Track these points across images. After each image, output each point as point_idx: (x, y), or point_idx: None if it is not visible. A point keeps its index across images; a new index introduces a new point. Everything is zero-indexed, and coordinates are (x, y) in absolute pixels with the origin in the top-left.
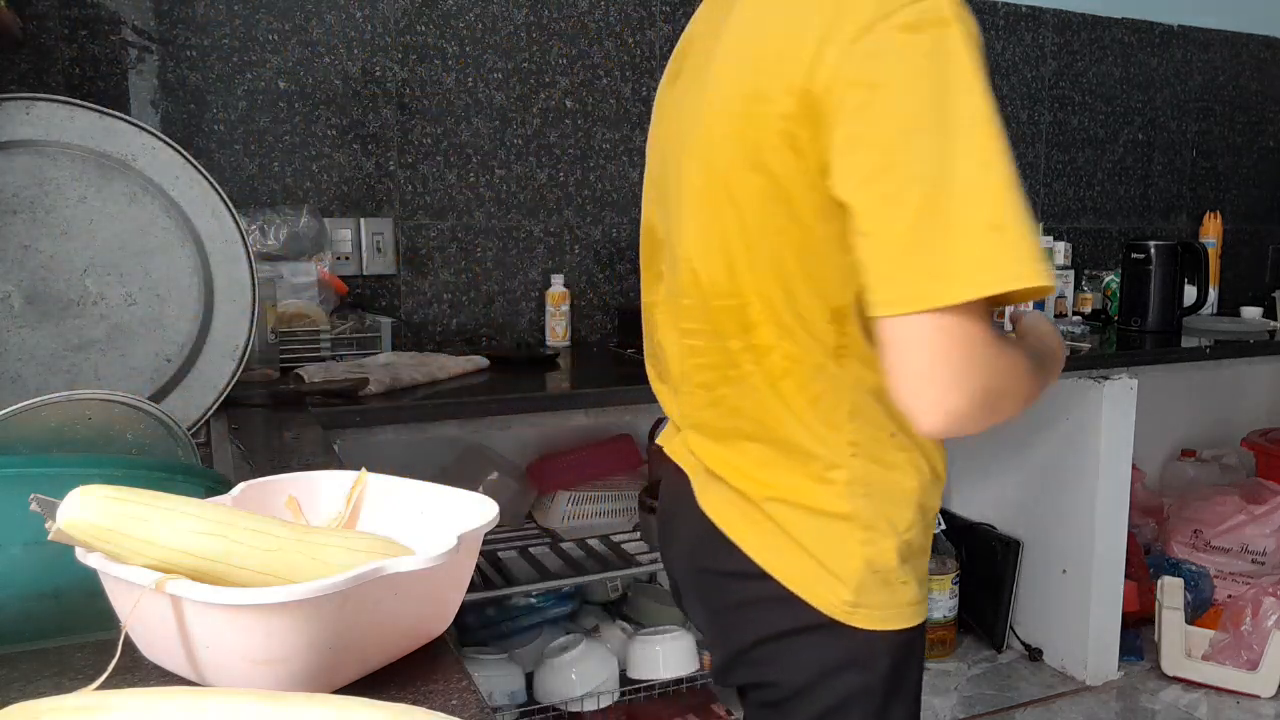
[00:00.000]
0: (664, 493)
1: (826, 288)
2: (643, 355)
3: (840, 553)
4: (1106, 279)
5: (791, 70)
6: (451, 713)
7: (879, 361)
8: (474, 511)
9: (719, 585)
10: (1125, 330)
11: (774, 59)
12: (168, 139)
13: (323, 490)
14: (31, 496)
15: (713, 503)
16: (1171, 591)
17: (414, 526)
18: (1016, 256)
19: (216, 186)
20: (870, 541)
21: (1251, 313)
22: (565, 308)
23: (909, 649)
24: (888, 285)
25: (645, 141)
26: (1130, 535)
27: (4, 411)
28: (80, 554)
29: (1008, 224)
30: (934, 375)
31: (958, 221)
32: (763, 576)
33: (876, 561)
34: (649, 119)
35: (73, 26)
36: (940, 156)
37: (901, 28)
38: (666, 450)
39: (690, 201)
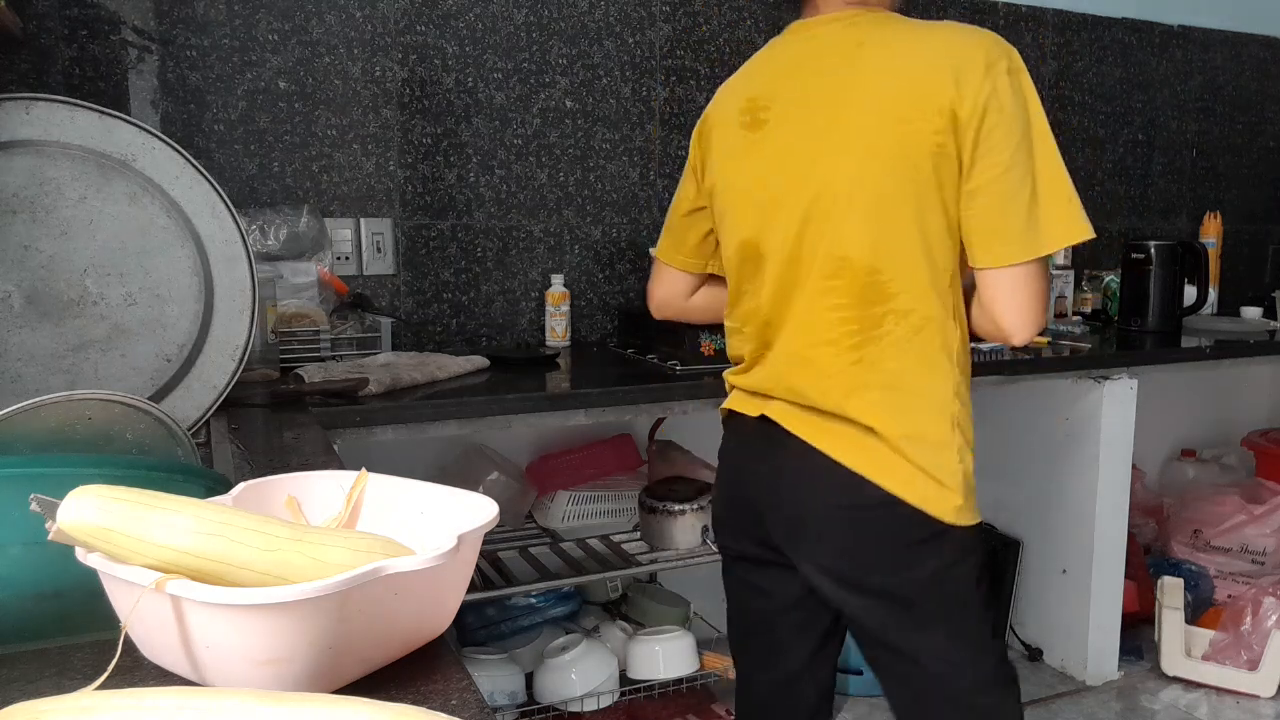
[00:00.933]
0: (760, 449)
1: (948, 257)
2: (642, 355)
3: (952, 471)
4: (1106, 279)
5: (936, 100)
6: (451, 713)
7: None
8: (474, 511)
9: (854, 516)
10: (1125, 330)
11: (918, 94)
12: (168, 139)
13: (323, 490)
14: (31, 496)
15: (844, 450)
16: (1171, 591)
17: (414, 526)
18: (1082, 217)
19: (216, 186)
20: (964, 459)
21: (1251, 313)
22: (565, 308)
23: (980, 540)
24: (1013, 244)
25: (645, 141)
26: (1130, 535)
27: (4, 411)
28: (80, 554)
29: (1073, 198)
30: (1036, 301)
31: (1050, 200)
32: (895, 503)
33: (968, 473)
34: (649, 119)
35: (73, 26)
36: (1033, 158)
37: (1005, 73)
38: (768, 414)
39: (839, 209)
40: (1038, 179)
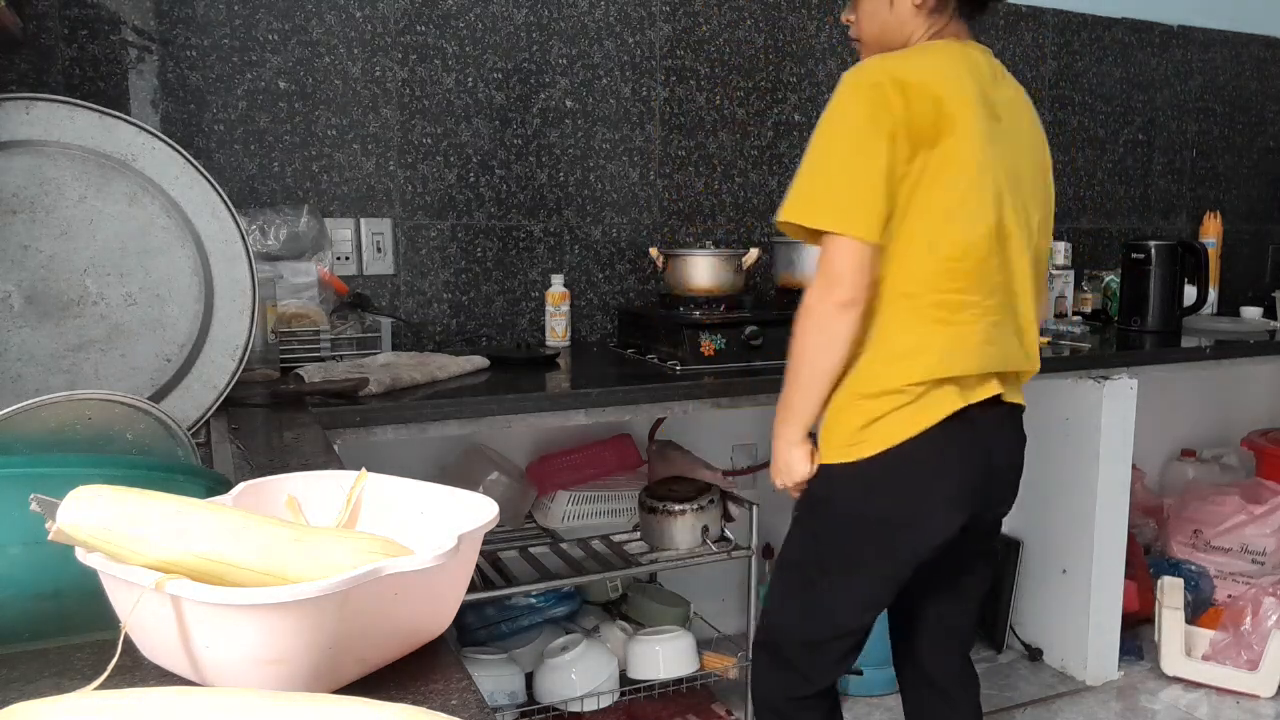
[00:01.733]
0: (992, 427)
1: None
2: (641, 354)
3: None
4: (1106, 279)
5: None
6: (451, 713)
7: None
8: (474, 511)
9: (1019, 456)
10: (1125, 330)
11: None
12: (167, 139)
13: (323, 490)
14: (31, 496)
15: (1020, 396)
16: (1171, 591)
17: (414, 526)
18: None
19: (216, 186)
20: None
21: (1251, 313)
22: (565, 308)
23: None
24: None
25: (645, 141)
26: (1130, 535)
27: (4, 411)
28: (80, 554)
29: None
30: None
31: None
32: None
33: None
34: (649, 119)
35: (73, 26)
36: None
37: None
38: (999, 393)
39: (1044, 206)
40: None
